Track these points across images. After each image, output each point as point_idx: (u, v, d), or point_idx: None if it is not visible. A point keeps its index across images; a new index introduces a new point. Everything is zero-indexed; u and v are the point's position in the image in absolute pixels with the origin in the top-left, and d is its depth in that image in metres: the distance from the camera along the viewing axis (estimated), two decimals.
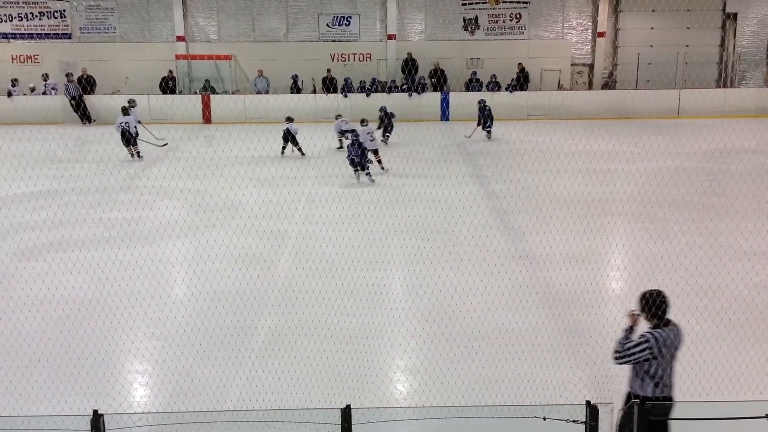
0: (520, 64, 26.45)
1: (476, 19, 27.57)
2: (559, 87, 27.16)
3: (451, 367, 7.26)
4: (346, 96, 25.29)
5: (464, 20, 27.60)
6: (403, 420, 4.99)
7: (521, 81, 26.17)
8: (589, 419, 4.51)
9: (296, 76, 26.19)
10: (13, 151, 16.81)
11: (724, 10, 27.50)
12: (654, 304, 5.23)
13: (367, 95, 25.26)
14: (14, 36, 27.35)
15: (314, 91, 26.52)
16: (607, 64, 28.10)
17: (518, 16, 27.56)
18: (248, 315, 8.60)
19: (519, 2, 27.41)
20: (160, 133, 20.12)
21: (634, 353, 5.17)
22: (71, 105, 24.64)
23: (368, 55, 27.59)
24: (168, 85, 26.24)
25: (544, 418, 4.51)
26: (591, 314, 8.51)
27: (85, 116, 24.61)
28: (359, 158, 15.55)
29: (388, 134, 20.23)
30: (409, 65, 26.28)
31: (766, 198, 13.83)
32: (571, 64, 27.87)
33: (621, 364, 5.27)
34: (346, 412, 4.52)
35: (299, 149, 18.63)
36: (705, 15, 27.20)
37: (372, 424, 4.58)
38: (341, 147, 19.30)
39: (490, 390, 6.84)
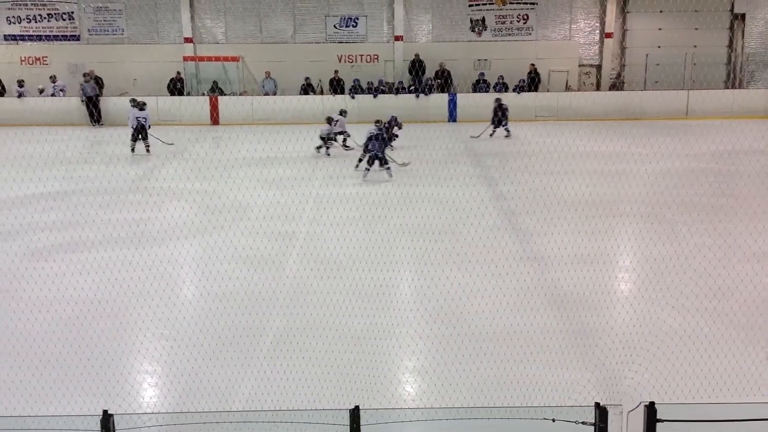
0: (532, 65, 26.45)
1: (483, 20, 27.58)
2: (567, 88, 27.13)
3: (459, 369, 7.25)
4: (353, 97, 25.31)
5: (471, 21, 27.61)
6: (412, 421, 4.99)
7: (534, 82, 26.15)
8: (598, 421, 4.51)
9: (308, 78, 26.24)
10: (22, 152, 16.87)
11: (732, 10, 27.45)
12: None
13: (374, 96, 25.28)
14: (23, 38, 27.49)
15: (321, 93, 26.58)
16: (614, 65, 28.06)
17: (525, 17, 27.55)
18: (257, 316, 8.60)
19: (526, 3, 27.42)
20: (168, 135, 20.19)
21: None
22: (85, 105, 24.72)
23: (375, 57, 27.62)
24: (176, 87, 26.33)
25: (553, 420, 4.50)
26: (600, 316, 8.50)
27: (97, 117, 24.69)
28: (382, 153, 15.83)
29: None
30: (416, 66, 26.33)
31: None
32: (579, 65, 27.86)
33: None
34: (355, 413, 4.52)
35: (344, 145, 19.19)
36: (713, 16, 27.14)
37: (380, 425, 4.57)
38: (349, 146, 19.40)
39: (499, 391, 6.83)
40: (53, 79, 26.10)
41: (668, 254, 10.66)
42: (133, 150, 19.23)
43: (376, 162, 15.95)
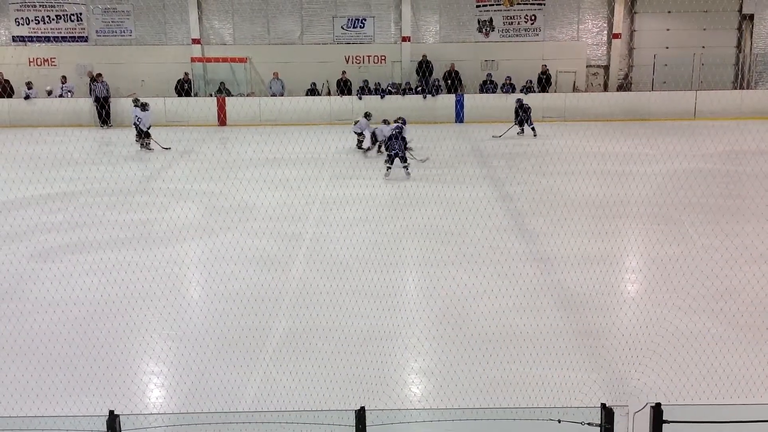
0: (544, 65, 26.40)
1: (491, 20, 27.55)
2: (575, 89, 27.08)
3: (465, 369, 7.24)
4: (360, 98, 25.33)
5: (479, 22, 27.59)
6: (417, 422, 4.98)
7: (543, 83, 26.13)
8: (604, 422, 4.50)
9: (314, 83, 26.29)
10: (30, 153, 16.95)
11: (740, 11, 27.36)
12: None
13: (382, 97, 25.29)
14: (31, 39, 27.59)
15: (329, 93, 26.60)
16: (622, 65, 28.00)
17: (533, 17, 27.51)
18: (263, 316, 8.62)
19: (534, 3, 27.38)
20: (175, 135, 20.27)
21: None
22: (95, 105, 24.81)
23: (383, 57, 27.63)
24: (183, 88, 26.38)
25: (559, 421, 4.49)
26: (606, 316, 8.48)
27: (107, 118, 24.76)
28: (402, 152, 16.14)
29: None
30: (424, 67, 26.32)
31: None
32: (587, 66, 27.81)
33: None
34: (361, 414, 4.52)
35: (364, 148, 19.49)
36: (721, 16, 27.08)
37: (386, 426, 4.57)
38: (363, 147, 19.64)
39: (505, 392, 6.82)
40: (63, 79, 26.20)
41: (675, 255, 10.63)
42: (141, 146, 19.74)
43: (397, 160, 16.24)
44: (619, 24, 27.45)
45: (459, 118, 25.14)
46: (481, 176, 16.47)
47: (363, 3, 27.47)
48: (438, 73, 26.61)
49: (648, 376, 7.12)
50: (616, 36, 27.56)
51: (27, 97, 25.35)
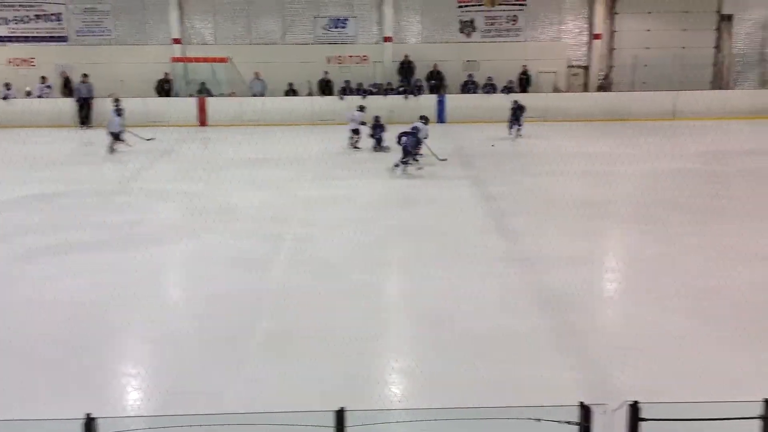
0: (524, 66, 26.49)
1: (473, 21, 27.60)
2: (555, 89, 27.18)
3: (446, 369, 7.25)
4: (342, 98, 25.31)
5: (461, 22, 27.63)
6: (398, 422, 4.99)
7: (522, 83, 26.19)
8: (582, 420, 4.51)
9: (291, 84, 26.24)
10: (10, 154, 16.81)
11: (719, 11, 27.56)
12: None
13: (363, 97, 25.28)
14: (10, 39, 27.33)
15: (311, 94, 26.55)
16: (602, 66, 28.13)
17: (514, 18, 27.59)
18: (244, 318, 8.58)
19: (515, 4, 27.45)
20: (156, 135, 20.17)
21: None
22: (78, 105, 24.60)
23: (365, 57, 27.60)
24: (164, 88, 26.24)
25: (539, 420, 4.50)
26: (587, 316, 8.52)
27: (87, 119, 24.56)
28: (411, 147, 16.40)
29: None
30: (405, 67, 26.34)
31: (762, 199, 13.87)
32: (567, 66, 27.91)
33: None
34: (340, 415, 4.51)
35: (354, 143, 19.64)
36: (701, 17, 27.31)
37: (366, 427, 4.56)
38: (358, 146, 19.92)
39: (485, 392, 6.83)
40: (42, 80, 25.99)
41: (657, 255, 10.70)
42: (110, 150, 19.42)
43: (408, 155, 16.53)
44: (600, 25, 27.59)
45: (441, 118, 25.13)
46: (463, 176, 16.49)
47: (345, 3, 27.44)
48: (421, 73, 26.63)
49: (627, 374, 7.17)
50: (597, 37, 27.70)
51: (5, 98, 25.12)
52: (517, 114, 21.34)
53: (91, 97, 24.74)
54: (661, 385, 6.81)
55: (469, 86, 26.26)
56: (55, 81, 26.32)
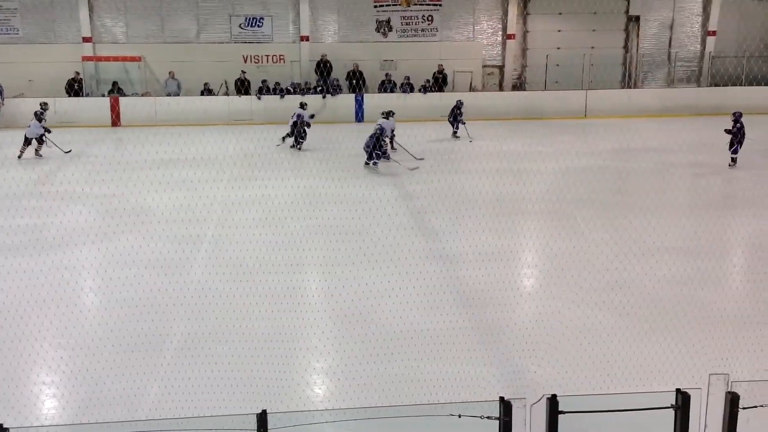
0: (440, 65, 26.72)
1: (389, 21, 27.72)
2: (471, 88, 27.53)
3: (367, 368, 7.28)
4: (259, 98, 25.09)
5: (377, 22, 27.72)
6: (320, 423, 4.97)
7: (439, 82, 26.42)
8: (502, 415, 4.59)
9: (207, 84, 25.87)
10: None
11: (627, 12, 28.44)
12: None
13: (281, 97, 25.13)
14: None
15: (227, 93, 26.21)
16: (516, 65, 28.67)
17: (430, 18, 27.84)
18: (160, 322, 8.42)
19: (430, 4, 27.70)
20: (67, 137, 19.56)
21: None
22: None
23: (281, 57, 27.40)
24: (73, 88, 25.46)
25: (459, 416, 4.56)
26: (504, 311, 8.68)
27: None
28: (371, 149, 16.90)
29: (301, 140, 20.07)
30: (322, 67, 26.28)
31: (669, 195, 14.39)
32: (483, 66, 28.32)
33: None
34: (262, 417, 4.47)
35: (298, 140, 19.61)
36: (609, 18, 28.12)
37: (288, 429, 4.54)
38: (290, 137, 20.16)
39: (407, 390, 6.89)
40: None
41: (569, 250, 10.99)
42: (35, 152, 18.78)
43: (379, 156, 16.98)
44: (513, 25, 28.09)
45: (359, 117, 25.19)
46: (381, 175, 16.57)
47: (260, 2, 27.16)
48: (340, 72, 26.61)
49: (544, 368, 7.34)
50: (510, 37, 28.20)
51: None
52: (455, 113, 21.57)
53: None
54: (577, 377, 7.00)
55: (386, 85, 26.38)
56: None
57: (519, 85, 28.48)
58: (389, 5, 27.59)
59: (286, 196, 14.37)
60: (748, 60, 26.95)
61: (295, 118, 20.01)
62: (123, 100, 24.97)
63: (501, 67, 28.60)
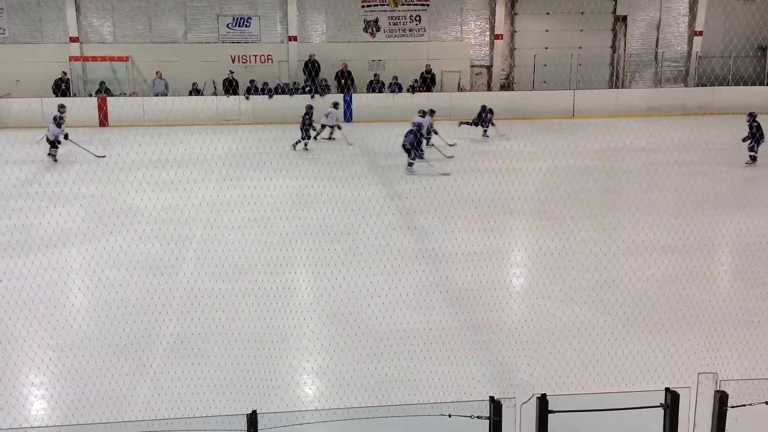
0: (428, 65, 26.75)
1: (377, 21, 27.73)
2: (460, 88, 27.57)
3: (357, 368, 7.28)
4: (248, 98, 25.04)
5: (365, 22, 27.72)
6: (310, 423, 4.97)
7: (427, 82, 26.44)
8: (492, 414, 4.60)
9: (195, 83, 25.80)
10: None
11: (614, 12, 28.55)
12: None
13: (270, 97, 25.09)
14: None
15: (215, 93, 26.14)
16: (504, 65, 28.73)
17: (418, 18, 27.86)
18: (149, 322, 8.40)
19: (418, 4, 27.72)
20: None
21: None
22: None
23: (269, 57, 27.37)
24: (60, 88, 25.34)
25: (449, 416, 4.56)
26: (493, 311, 8.70)
27: None
28: (411, 146, 16.63)
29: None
30: (310, 67, 26.25)
31: (657, 194, 14.45)
32: (471, 66, 28.36)
33: None
34: (252, 418, 4.47)
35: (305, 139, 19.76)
36: (597, 18, 28.20)
37: (278, 429, 4.54)
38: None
39: (396, 389, 6.90)
40: None
41: (558, 249, 11.03)
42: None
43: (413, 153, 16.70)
44: (501, 25, 28.14)
45: (347, 117, 25.19)
46: (370, 175, 16.56)
47: (248, 2, 27.13)
48: (328, 72, 26.59)
49: (534, 367, 7.36)
50: (498, 37, 28.24)
51: None
52: (482, 116, 21.63)
53: None
54: (567, 376, 7.02)
55: (374, 85, 26.38)
56: None
57: (507, 85, 28.54)
58: (377, 5, 27.59)
59: (274, 196, 14.34)
60: (734, 60, 27.13)
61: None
62: (110, 100, 24.88)
63: (489, 67, 28.65)
